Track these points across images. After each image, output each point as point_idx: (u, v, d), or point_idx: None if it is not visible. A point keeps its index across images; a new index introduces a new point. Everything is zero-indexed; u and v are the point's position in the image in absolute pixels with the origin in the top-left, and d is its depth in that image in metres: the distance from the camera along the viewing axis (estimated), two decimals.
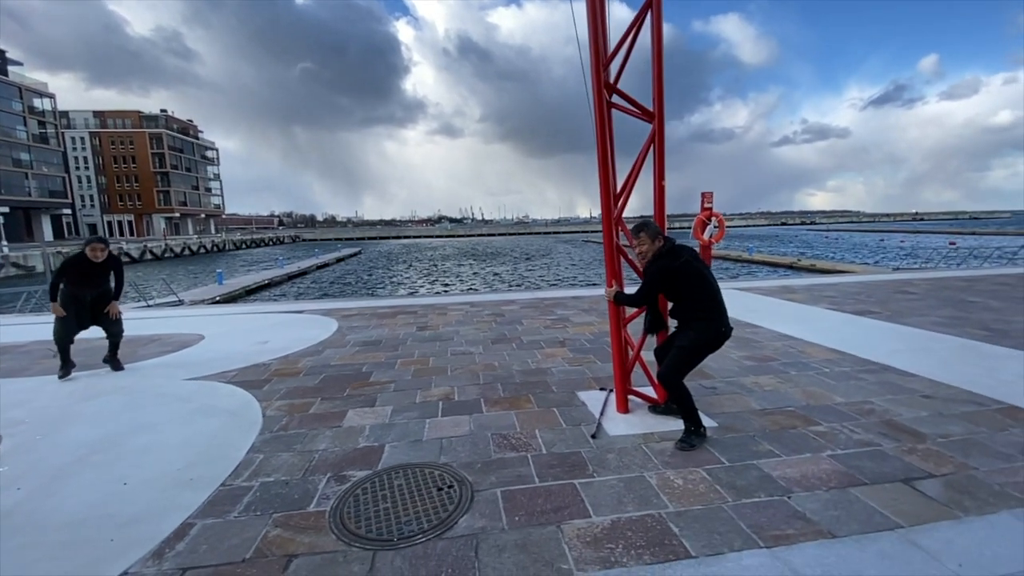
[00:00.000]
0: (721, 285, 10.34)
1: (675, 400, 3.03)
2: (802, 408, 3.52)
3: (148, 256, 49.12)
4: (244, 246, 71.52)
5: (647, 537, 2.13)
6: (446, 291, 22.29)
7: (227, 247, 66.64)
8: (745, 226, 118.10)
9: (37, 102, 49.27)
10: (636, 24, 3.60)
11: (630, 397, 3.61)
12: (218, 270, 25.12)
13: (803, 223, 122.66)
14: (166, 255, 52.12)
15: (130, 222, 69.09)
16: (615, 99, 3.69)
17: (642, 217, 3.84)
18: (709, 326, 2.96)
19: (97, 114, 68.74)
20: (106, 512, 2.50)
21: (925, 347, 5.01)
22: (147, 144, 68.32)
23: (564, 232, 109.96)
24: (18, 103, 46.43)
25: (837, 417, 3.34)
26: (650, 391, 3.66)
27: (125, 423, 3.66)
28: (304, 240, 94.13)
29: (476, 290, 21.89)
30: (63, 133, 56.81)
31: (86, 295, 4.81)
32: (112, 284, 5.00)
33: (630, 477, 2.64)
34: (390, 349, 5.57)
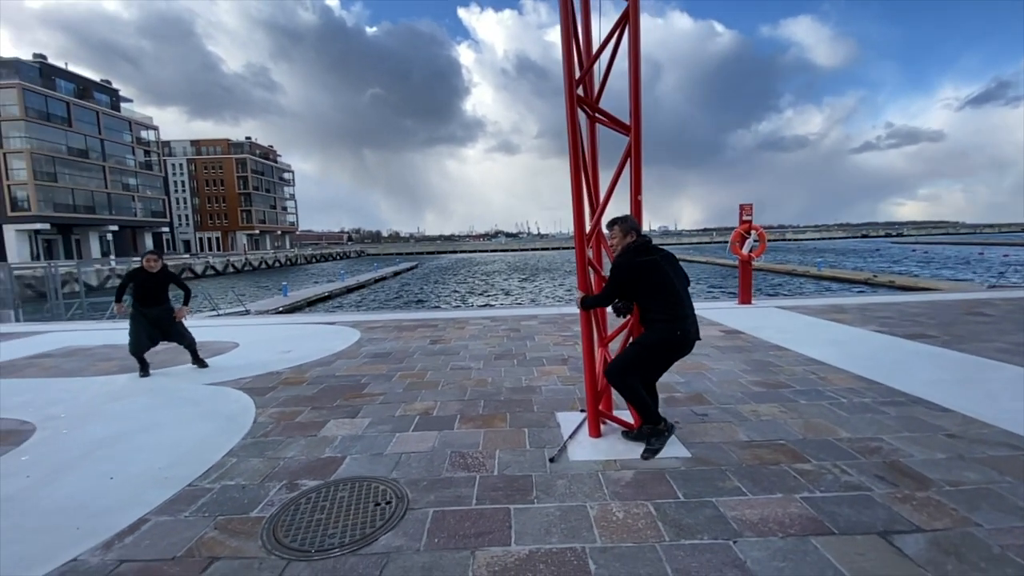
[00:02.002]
0: (763, 303, 9.68)
1: (625, 398, 2.88)
2: (795, 442, 3.18)
3: (230, 269, 53.97)
4: (314, 260, 76.69)
5: (556, 573, 2.01)
6: (475, 305, 22.52)
7: (299, 261, 71.78)
8: (819, 239, 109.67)
9: (144, 133, 56.29)
10: (610, 38, 3.53)
11: (611, 420, 3.45)
12: (283, 283, 27.08)
13: (887, 235, 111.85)
14: (245, 268, 56.98)
15: (217, 238, 76.43)
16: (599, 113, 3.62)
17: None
18: (662, 328, 2.81)
19: (193, 143, 77.30)
20: (84, 503, 2.75)
21: (974, 378, 4.37)
22: (233, 168, 75.67)
23: None
24: (128, 135, 53.29)
25: (832, 455, 2.99)
26: (626, 415, 3.47)
27: (136, 423, 4.02)
28: (368, 255, 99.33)
29: (519, 303, 21.94)
30: (165, 160, 64.40)
31: (150, 311, 5.34)
32: (171, 302, 5.54)
33: (570, 506, 2.51)
34: (395, 362, 5.71)
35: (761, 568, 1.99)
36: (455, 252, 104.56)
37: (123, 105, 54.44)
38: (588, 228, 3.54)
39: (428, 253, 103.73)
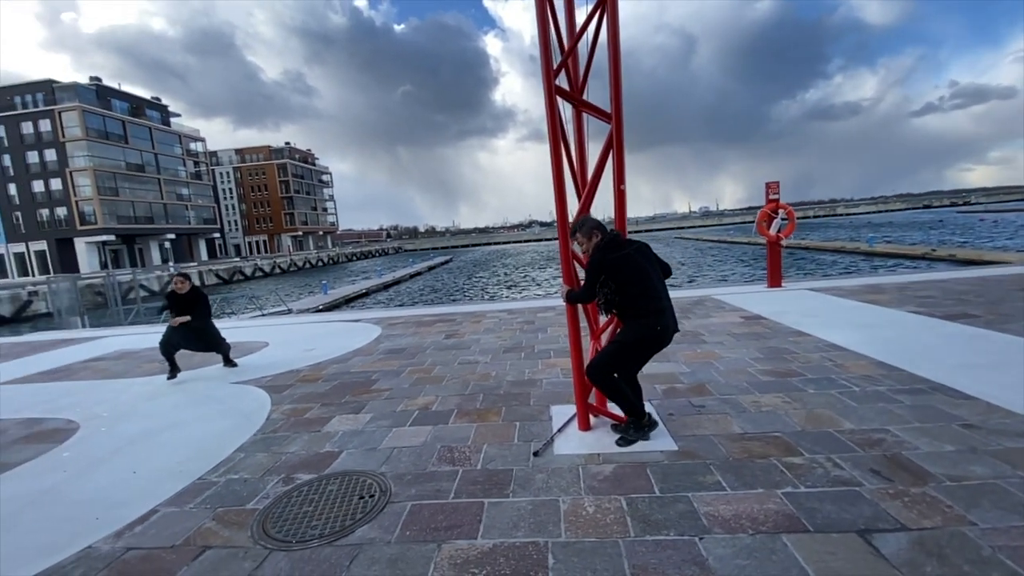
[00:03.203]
0: (794, 286, 9.32)
1: (606, 395, 2.86)
2: (792, 435, 3.06)
3: (277, 270, 56.65)
4: (354, 258, 79.34)
5: (515, 567, 2.05)
6: (504, 298, 22.57)
7: (340, 260, 74.45)
8: (875, 212, 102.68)
9: (192, 145, 59.72)
10: (588, 24, 3.45)
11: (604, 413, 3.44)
12: (323, 282, 28.19)
13: (952, 204, 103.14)
14: (291, 269, 59.67)
15: (264, 241, 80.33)
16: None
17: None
18: (641, 323, 2.76)
19: (237, 151, 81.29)
20: (107, 495, 3.03)
21: (1010, 362, 4.01)
22: (275, 174, 79.08)
23: (657, 230, 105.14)
24: (178, 147, 56.74)
25: (828, 447, 2.85)
26: (617, 408, 3.44)
27: (165, 420, 4.35)
28: (405, 251, 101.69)
29: (548, 294, 21.86)
30: (213, 170, 68.11)
31: (184, 326, 5.63)
32: (204, 319, 5.74)
33: (543, 500, 2.53)
34: (408, 357, 5.87)
35: (721, 566, 1.96)
36: (488, 244, 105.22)
37: (172, 120, 57.88)
38: (573, 219, 3.50)
39: (462, 247, 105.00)
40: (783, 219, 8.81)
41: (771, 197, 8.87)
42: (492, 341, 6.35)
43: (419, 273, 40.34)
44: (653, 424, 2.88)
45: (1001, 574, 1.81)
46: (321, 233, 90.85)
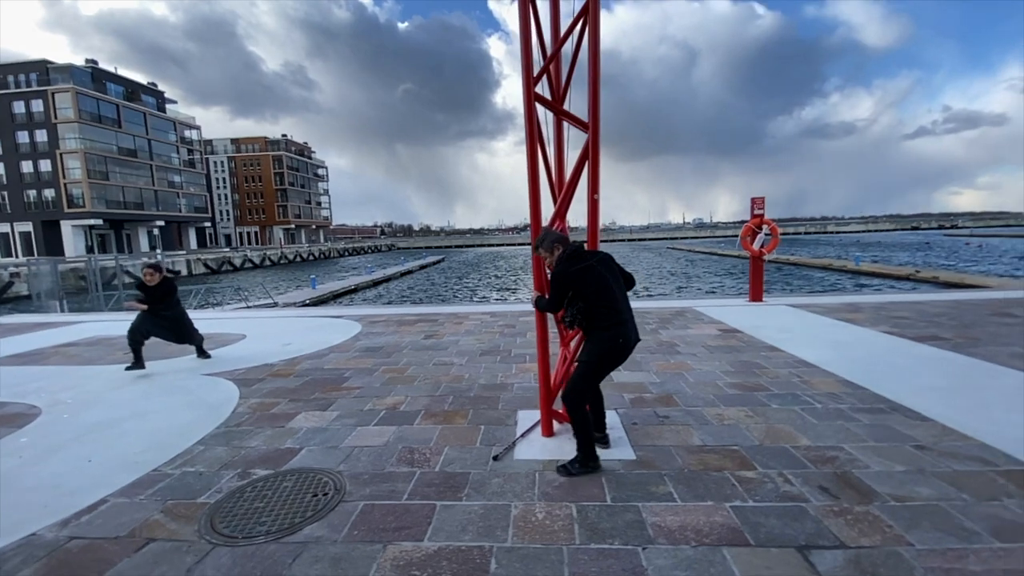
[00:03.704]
0: (775, 301, 9.39)
1: (573, 424, 2.85)
2: (749, 449, 3.09)
3: (267, 262, 56.19)
4: (346, 254, 78.93)
5: (457, 570, 2.05)
6: (492, 300, 22.56)
7: (331, 255, 74.03)
8: (864, 231, 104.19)
9: (187, 133, 59.12)
10: (570, 32, 3.48)
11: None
12: (312, 276, 28.02)
13: (940, 227, 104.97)
14: (281, 261, 59.23)
15: (256, 233, 79.63)
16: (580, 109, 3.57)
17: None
18: (604, 336, 2.76)
19: (233, 141, 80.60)
20: (59, 483, 2.98)
21: (971, 385, 4.10)
22: (271, 165, 78.48)
23: (650, 239, 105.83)
24: (173, 134, 56.13)
25: (783, 463, 2.89)
26: None
27: (130, 410, 4.29)
28: (398, 248, 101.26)
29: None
30: (207, 158, 67.52)
31: (157, 312, 5.52)
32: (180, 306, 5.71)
33: (495, 504, 2.54)
34: (384, 356, 5.85)
35: None
36: (482, 246, 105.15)
37: (168, 106, 57.29)
38: (547, 226, 3.52)
39: (456, 247, 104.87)
40: (767, 234, 8.91)
41: (756, 212, 8.97)
42: (471, 343, 6.35)
43: (410, 272, 40.22)
44: (598, 467, 2.85)
45: None
46: (314, 227, 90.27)
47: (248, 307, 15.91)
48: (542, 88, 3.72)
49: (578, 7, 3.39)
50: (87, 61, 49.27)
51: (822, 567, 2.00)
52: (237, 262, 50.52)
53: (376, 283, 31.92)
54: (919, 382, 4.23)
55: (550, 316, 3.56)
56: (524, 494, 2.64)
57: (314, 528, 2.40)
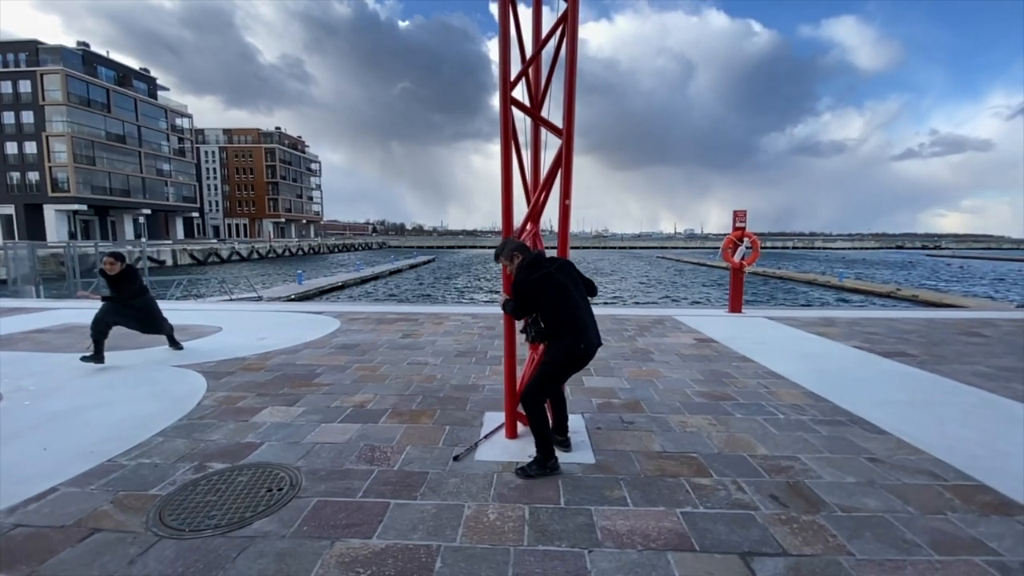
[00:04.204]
0: (754, 312, 9.49)
1: (530, 424, 2.86)
2: (708, 456, 3.13)
3: (255, 256, 55.60)
4: (336, 250, 78.32)
5: (401, 568, 2.05)
6: (479, 301, 22.56)
7: (321, 250, 73.41)
8: (850, 248, 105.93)
9: (179, 121, 58.35)
10: (548, 39, 3.51)
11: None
12: (299, 271, 27.73)
13: (924, 247, 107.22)
14: (270, 255, 58.60)
15: (245, 225, 78.73)
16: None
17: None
18: (565, 342, 2.79)
19: (226, 131, 79.73)
20: (11, 471, 2.92)
21: (931, 401, 4.19)
22: (263, 157, 77.73)
23: (641, 247, 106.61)
24: (163, 122, 55.36)
25: (738, 471, 2.93)
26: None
27: (93, 399, 4.22)
28: (390, 247, 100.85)
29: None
30: (198, 147, 66.71)
31: (123, 301, 5.42)
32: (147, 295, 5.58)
33: (449, 504, 2.54)
34: (359, 354, 5.82)
35: None
36: (474, 247, 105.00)
37: (160, 93, 56.53)
38: (519, 229, 3.55)
39: (447, 248, 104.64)
40: (747, 247, 9.03)
41: (738, 225, 9.09)
42: (448, 344, 6.34)
43: (399, 270, 40.00)
44: (556, 468, 2.87)
45: None
46: (304, 222, 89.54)
47: (231, 300, 15.72)
48: (523, 93, 3.77)
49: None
50: (79, 43, 48.44)
51: (762, 574, 2.03)
52: (224, 254, 49.92)
53: (364, 280, 31.70)
54: (881, 396, 4.31)
55: None
56: (479, 495, 2.64)
57: (264, 523, 2.38)
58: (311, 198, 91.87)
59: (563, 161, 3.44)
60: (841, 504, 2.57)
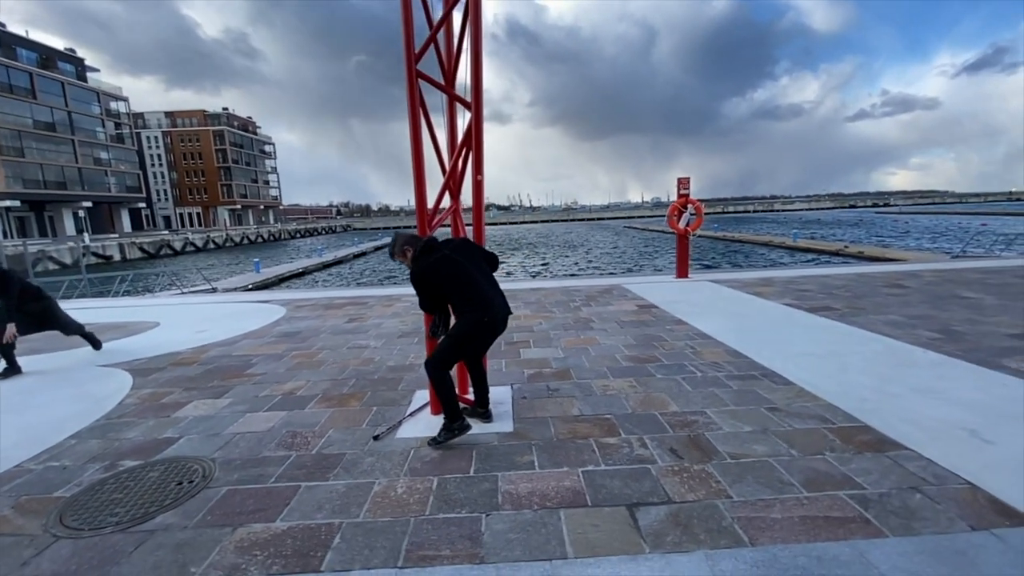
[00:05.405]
0: (700, 276, 9.73)
1: (435, 390, 2.94)
2: (622, 417, 3.28)
3: (211, 245, 53.34)
4: (298, 235, 75.87)
5: (299, 547, 2.10)
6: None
7: (282, 236, 71.00)
8: (807, 209, 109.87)
9: (113, 105, 54.40)
10: (452, 8, 3.42)
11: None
12: (255, 259, 26.82)
13: (875, 205, 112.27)
14: (227, 244, 56.33)
15: (198, 214, 75.12)
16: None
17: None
18: (470, 318, 2.86)
19: (168, 114, 74.94)
20: None
21: (838, 351, 4.48)
22: (211, 141, 73.70)
23: (609, 218, 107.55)
24: (96, 106, 51.51)
25: (646, 428, 3.09)
26: (469, 394, 3.54)
27: (6, 404, 4.04)
28: (354, 229, 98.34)
29: None
30: (139, 133, 62.55)
31: (19, 308, 5.10)
32: (43, 297, 5.19)
33: (359, 483, 2.59)
34: (298, 341, 5.74)
35: (493, 540, 2.09)
36: (444, 226, 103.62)
37: (90, 75, 52.39)
38: (433, 206, 3.52)
39: (414, 227, 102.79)
40: (691, 214, 9.26)
41: (682, 192, 9.28)
42: (394, 326, 6.33)
43: (364, 253, 39.23)
44: (465, 428, 2.95)
45: (729, 540, 2.05)
46: (262, 207, 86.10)
47: (181, 294, 15.14)
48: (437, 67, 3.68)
49: None
50: None
51: (643, 522, 2.18)
52: (177, 245, 47.69)
53: (327, 265, 31.00)
54: (796, 349, 4.58)
55: None
56: (392, 471, 2.70)
57: (167, 516, 2.38)
58: (267, 182, 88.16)
59: (473, 134, 3.42)
60: (732, 452, 2.75)
